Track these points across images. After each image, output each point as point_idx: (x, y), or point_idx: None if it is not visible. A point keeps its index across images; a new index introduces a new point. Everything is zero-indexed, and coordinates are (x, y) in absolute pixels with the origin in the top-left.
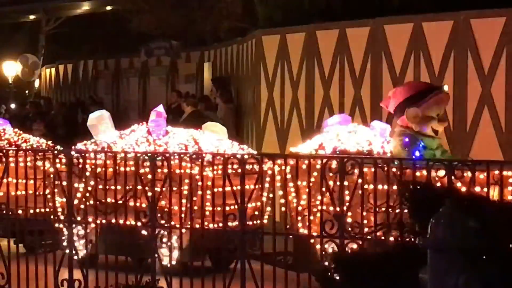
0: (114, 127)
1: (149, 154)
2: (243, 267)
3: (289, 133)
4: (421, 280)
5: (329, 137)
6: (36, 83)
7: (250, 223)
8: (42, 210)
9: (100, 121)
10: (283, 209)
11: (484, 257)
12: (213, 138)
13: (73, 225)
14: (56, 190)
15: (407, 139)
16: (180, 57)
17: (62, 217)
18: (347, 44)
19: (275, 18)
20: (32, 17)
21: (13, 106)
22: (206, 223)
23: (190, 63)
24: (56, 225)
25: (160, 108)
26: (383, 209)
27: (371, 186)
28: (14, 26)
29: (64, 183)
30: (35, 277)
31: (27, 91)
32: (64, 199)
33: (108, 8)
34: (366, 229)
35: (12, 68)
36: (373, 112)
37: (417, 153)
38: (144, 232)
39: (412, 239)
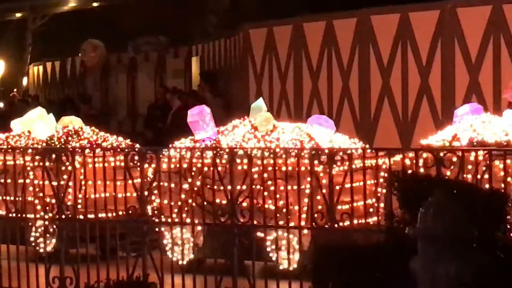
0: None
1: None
2: None
3: None
4: (411, 269)
5: (463, 128)
6: (24, 81)
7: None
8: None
9: (201, 117)
10: None
11: (475, 245)
12: (325, 131)
13: (177, 227)
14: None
15: None
16: (168, 52)
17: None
18: (334, 36)
19: (262, 12)
20: (18, 15)
21: (1, 105)
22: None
23: (178, 58)
24: (159, 228)
25: (260, 101)
26: None
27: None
28: (0, 25)
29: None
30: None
31: (15, 90)
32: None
33: (95, 4)
34: None
35: None
36: (361, 103)
37: None
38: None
39: (402, 229)
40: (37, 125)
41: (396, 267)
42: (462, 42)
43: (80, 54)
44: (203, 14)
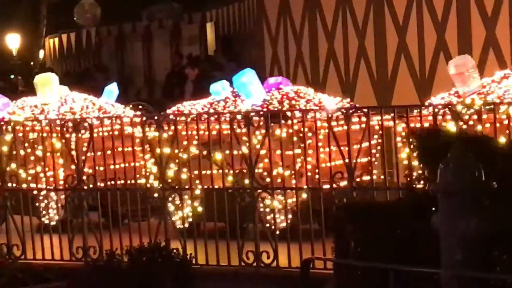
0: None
1: None
2: None
3: None
4: (433, 225)
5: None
6: (41, 54)
7: None
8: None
9: (465, 68)
10: None
11: (494, 198)
12: None
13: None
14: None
15: None
16: (182, 19)
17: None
18: None
19: None
20: None
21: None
22: None
23: (192, 24)
24: None
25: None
26: None
27: None
28: None
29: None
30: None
31: (32, 63)
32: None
33: None
34: None
35: (15, 41)
36: (377, 62)
37: None
38: None
39: (422, 185)
40: (253, 88)
41: (416, 223)
42: None
43: (75, 19)
44: None
